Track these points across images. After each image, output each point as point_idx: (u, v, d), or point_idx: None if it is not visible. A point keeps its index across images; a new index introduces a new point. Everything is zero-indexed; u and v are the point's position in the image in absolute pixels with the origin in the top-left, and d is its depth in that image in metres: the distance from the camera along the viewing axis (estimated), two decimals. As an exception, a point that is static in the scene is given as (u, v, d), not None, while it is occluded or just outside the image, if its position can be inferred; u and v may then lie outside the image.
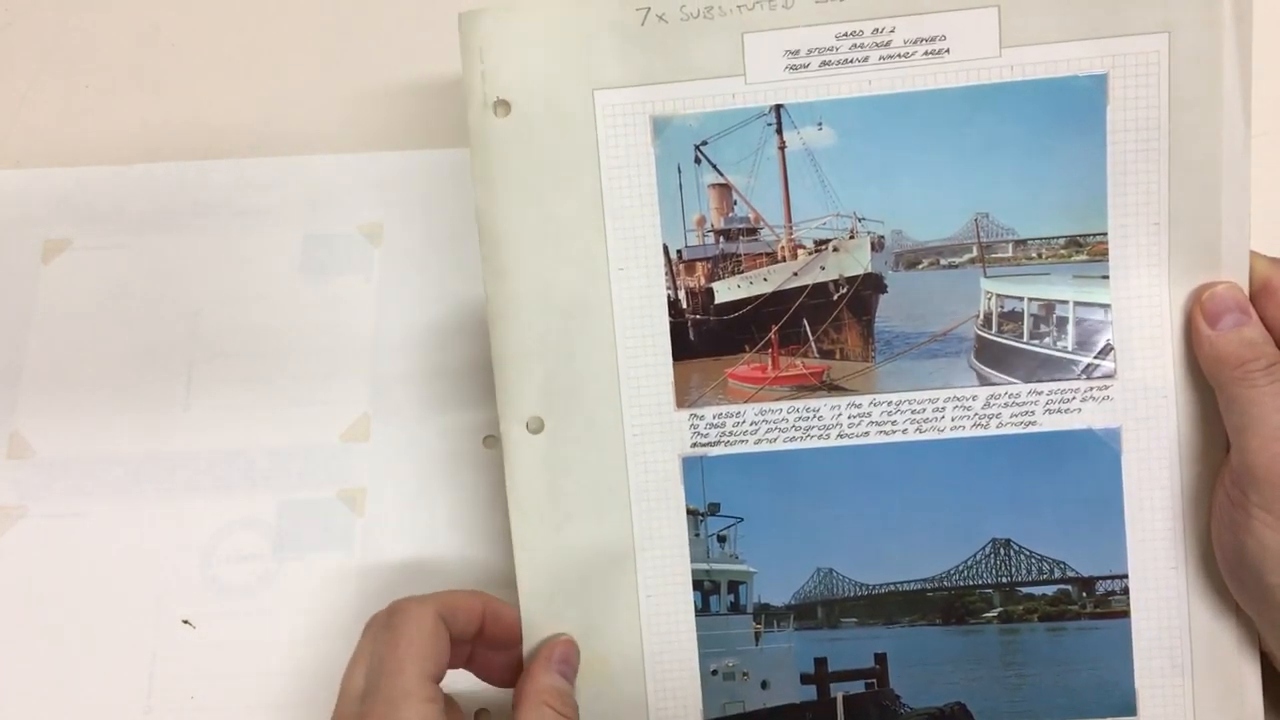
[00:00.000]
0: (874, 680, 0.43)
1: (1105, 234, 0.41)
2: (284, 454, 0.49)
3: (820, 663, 0.43)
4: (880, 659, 0.43)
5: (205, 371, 0.51)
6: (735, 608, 0.43)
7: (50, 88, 0.56)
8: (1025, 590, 0.43)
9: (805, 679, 0.43)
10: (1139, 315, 0.41)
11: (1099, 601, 0.42)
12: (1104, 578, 0.42)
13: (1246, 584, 0.40)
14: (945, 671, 0.43)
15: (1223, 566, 0.41)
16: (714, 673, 0.43)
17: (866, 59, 0.41)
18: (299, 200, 0.53)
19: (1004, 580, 0.43)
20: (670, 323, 0.43)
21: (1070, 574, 0.42)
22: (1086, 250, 0.41)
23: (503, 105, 0.42)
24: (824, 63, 0.41)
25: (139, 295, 0.52)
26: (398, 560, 0.48)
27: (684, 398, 0.43)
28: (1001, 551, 0.42)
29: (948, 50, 0.41)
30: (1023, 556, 0.42)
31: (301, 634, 0.47)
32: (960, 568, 0.43)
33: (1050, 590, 0.43)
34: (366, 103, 0.54)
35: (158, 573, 0.48)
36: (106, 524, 0.49)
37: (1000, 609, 0.43)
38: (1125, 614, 0.42)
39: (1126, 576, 0.42)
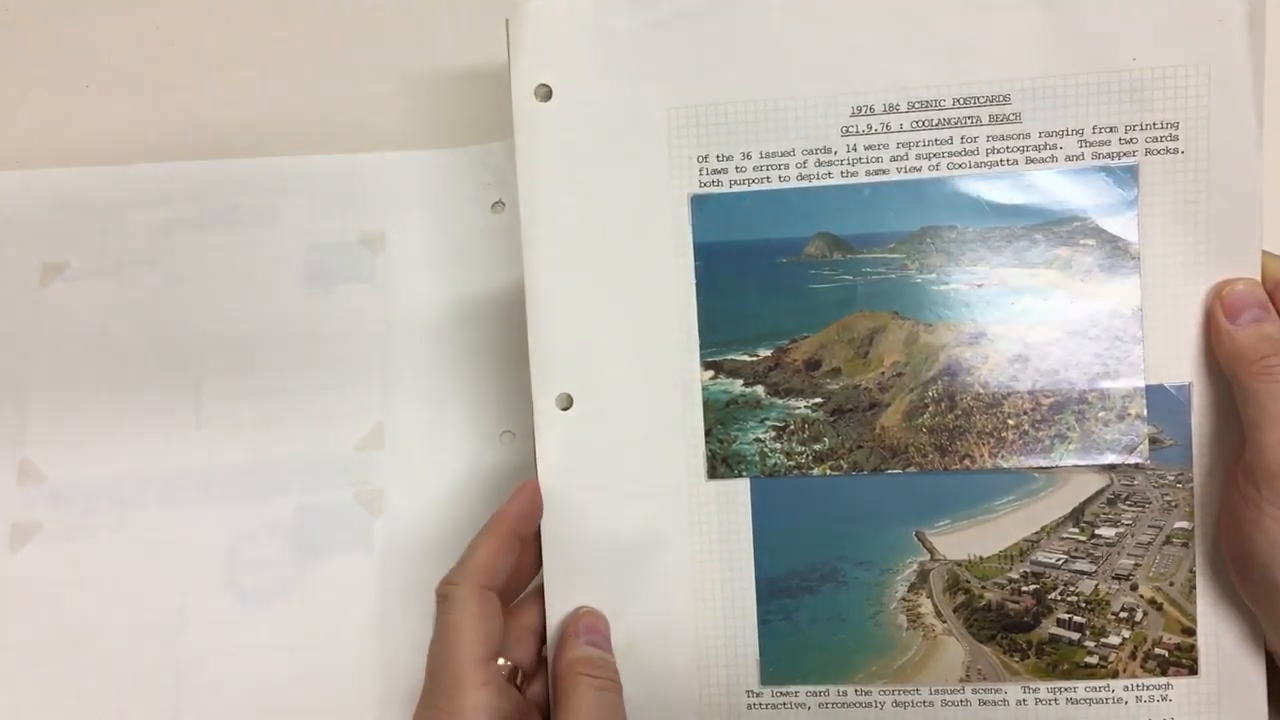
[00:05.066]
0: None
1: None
2: (300, 468, 0.49)
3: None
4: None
5: (215, 389, 0.50)
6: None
7: (50, 88, 0.56)
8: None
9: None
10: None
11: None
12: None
13: (1254, 581, 0.40)
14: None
15: (1230, 563, 0.41)
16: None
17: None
18: (301, 203, 0.52)
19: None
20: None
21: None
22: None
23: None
24: None
25: (142, 315, 0.51)
26: (418, 559, 0.47)
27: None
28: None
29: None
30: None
31: (325, 636, 0.47)
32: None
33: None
34: (367, 102, 0.55)
35: (179, 583, 0.48)
36: (124, 542, 0.48)
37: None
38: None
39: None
